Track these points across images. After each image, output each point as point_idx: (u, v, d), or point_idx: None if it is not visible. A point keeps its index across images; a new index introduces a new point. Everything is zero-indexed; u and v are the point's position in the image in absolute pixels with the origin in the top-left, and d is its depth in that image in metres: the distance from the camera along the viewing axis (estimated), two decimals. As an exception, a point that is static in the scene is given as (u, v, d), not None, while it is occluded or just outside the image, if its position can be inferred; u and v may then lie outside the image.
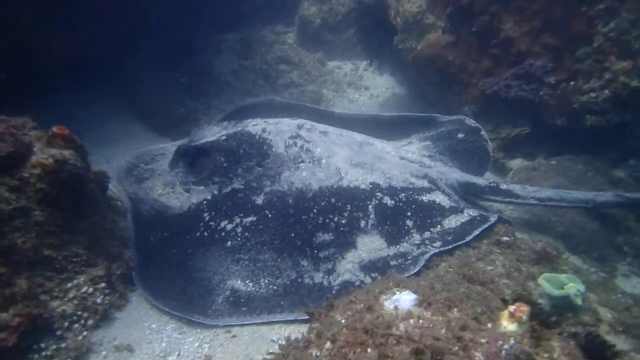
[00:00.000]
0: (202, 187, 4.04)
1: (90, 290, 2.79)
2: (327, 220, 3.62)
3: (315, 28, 8.75)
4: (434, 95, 6.03)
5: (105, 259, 3.01)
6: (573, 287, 2.98)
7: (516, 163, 5.22)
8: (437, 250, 3.39)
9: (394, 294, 1.93)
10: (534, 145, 5.33)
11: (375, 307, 1.78)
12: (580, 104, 4.83)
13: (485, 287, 2.81)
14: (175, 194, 4.07)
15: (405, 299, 1.89)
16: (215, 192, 3.98)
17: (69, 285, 2.72)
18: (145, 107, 5.79)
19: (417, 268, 3.25)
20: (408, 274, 3.21)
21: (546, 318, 2.10)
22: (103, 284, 2.88)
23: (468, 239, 3.47)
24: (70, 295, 2.70)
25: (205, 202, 3.94)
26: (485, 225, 3.58)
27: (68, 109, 5.34)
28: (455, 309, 1.89)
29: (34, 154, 2.73)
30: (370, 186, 3.90)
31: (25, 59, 4.40)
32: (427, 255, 3.33)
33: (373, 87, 8.06)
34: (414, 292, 1.92)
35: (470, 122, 4.92)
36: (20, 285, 2.49)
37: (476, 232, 3.50)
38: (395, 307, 1.81)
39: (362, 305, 1.79)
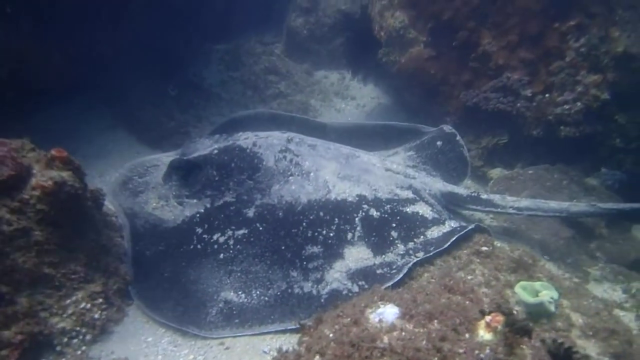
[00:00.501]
0: (195, 201, 4.15)
1: (88, 306, 2.90)
2: (316, 234, 3.78)
3: (302, 39, 8.91)
4: (417, 106, 6.24)
5: (102, 275, 3.13)
6: (547, 294, 3.17)
7: (496, 172, 5.44)
8: (418, 259, 3.55)
9: (379, 307, 2.09)
10: (512, 155, 5.58)
11: (361, 320, 1.94)
12: (555, 115, 5.08)
13: (465, 297, 2.98)
14: (169, 207, 4.17)
15: (389, 312, 2.05)
16: (208, 205, 4.10)
17: (68, 301, 2.83)
18: (136, 120, 5.88)
19: (400, 275, 3.42)
20: (392, 282, 3.38)
21: (519, 326, 2.28)
22: (100, 300, 2.99)
23: (444, 246, 3.64)
24: (69, 311, 2.80)
25: (198, 215, 4.06)
26: (462, 233, 3.76)
27: (60, 122, 5.40)
28: (435, 321, 2.05)
29: (33, 176, 2.83)
30: (357, 198, 4.06)
31: (22, 75, 4.48)
32: (410, 264, 3.50)
33: (359, 97, 8.24)
34: (397, 305, 2.08)
35: (447, 128, 5.11)
36: (21, 304, 2.59)
37: (452, 239, 3.67)
38: (380, 320, 1.97)
39: (349, 319, 1.95)
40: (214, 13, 8.35)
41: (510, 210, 4.36)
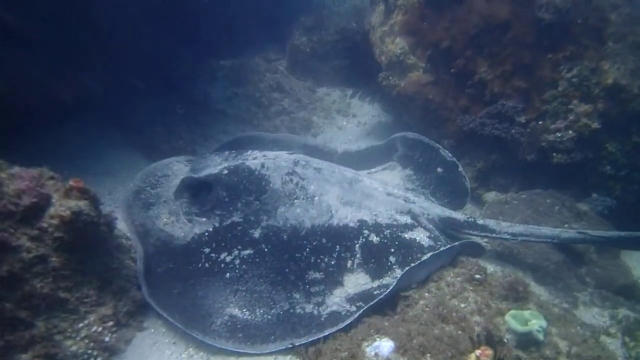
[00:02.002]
0: (204, 219, 4.31)
1: (100, 329, 3.07)
2: (318, 260, 3.96)
3: (306, 56, 9.13)
4: (416, 128, 6.41)
5: (113, 297, 3.29)
6: (536, 323, 3.34)
7: (491, 196, 5.62)
8: (404, 272, 3.72)
9: (375, 340, 2.26)
10: (507, 178, 5.75)
11: (358, 354, 2.10)
12: (548, 142, 5.26)
13: (457, 326, 3.15)
14: (179, 224, 4.33)
15: (384, 346, 2.22)
16: (217, 225, 4.27)
17: (81, 325, 2.99)
18: (145, 139, 6.07)
19: (389, 290, 3.58)
20: (383, 296, 3.56)
21: None
22: (111, 322, 3.16)
23: (424, 258, 3.88)
24: (82, 334, 2.97)
25: (207, 234, 4.23)
26: (446, 248, 3.99)
27: (70, 142, 5.59)
28: (428, 355, 2.22)
29: (52, 205, 3.01)
30: (358, 224, 4.24)
31: (32, 97, 4.66)
32: (397, 279, 3.66)
33: (360, 115, 8.45)
34: (392, 339, 2.25)
35: (447, 154, 5.25)
36: (39, 327, 2.76)
37: (434, 253, 3.92)
38: (376, 354, 2.14)
39: (346, 353, 2.11)
40: (219, 30, 8.57)
41: (505, 236, 4.52)
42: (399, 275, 3.92)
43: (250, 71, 8.38)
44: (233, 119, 7.31)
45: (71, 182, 3.08)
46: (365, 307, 3.51)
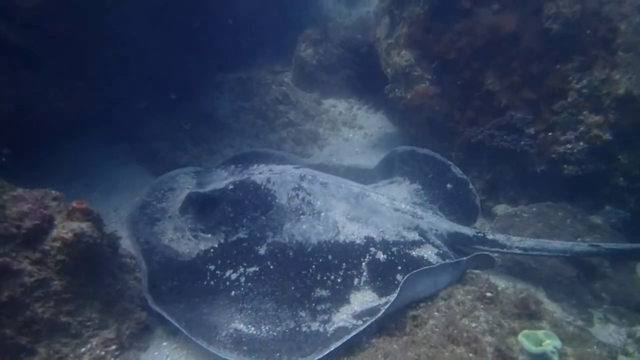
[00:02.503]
0: (209, 235, 4.28)
1: (102, 353, 3.01)
2: (325, 278, 3.88)
3: (312, 69, 9.10)
4: (423, 140, 6.34)
5: (116, 320, 3.24)
6: (550, 344, 3.24)
7: (501, 209, 5.51)
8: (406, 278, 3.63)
9: (382, 368, 2.17)
10: (517, 191, 5.64)
11: (365, 384, 2.02)
12: (558, 154, 5.16)
13: (468, 348, 3.06)
14: (184, 240, 4.30)
15: (392, 374, 2.13)
16: (222, 241, 4.23)
17: (83, 349, 2.94)
18: (151, 155, 6.06)
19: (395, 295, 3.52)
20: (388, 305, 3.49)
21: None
22: (114, 346, 3.10)
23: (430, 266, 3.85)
24: (84, 359, 2.92)
25: (212, 250, 4.19)
26: (453, 261, 3.93)
27: (77, 160, 5.60)
28: (436, 382, 2.13)
29: (55, 227, 2.98)
30: (365, 241, 4.16)
31: (39, 117, 4.69)
32: (400, 284, 3.57)
33: (367, 126, 8.38)
34: (400, 367, 2.16)
35: (457, 171, 5.19)
36: (40, 354, 2.72)
37: (441, 264, 3.90)
38: (383, 384, 2.05)
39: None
40: (225, 43, 8.61)
41: (516, 250, 4.43)
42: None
43: (257, 84, 8.37)
44: (239, 133, 7.29)
45: (74, 204, 3.05)
46: (372, 320, 3.42)
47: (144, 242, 4.22)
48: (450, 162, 5.26)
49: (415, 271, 3.69)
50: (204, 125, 6.97)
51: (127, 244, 4.23)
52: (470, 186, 5.08)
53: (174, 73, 7.05)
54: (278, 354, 3.45)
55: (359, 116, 8.65)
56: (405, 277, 3.62)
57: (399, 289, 3.53)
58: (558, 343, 3.27)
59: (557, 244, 4.37)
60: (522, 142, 5.35)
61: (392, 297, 3.59)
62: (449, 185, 5.13)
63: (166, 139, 6.31)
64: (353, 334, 3.36)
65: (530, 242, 4.42)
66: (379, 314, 3.45)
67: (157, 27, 6.20)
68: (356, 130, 8.39)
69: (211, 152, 6.56)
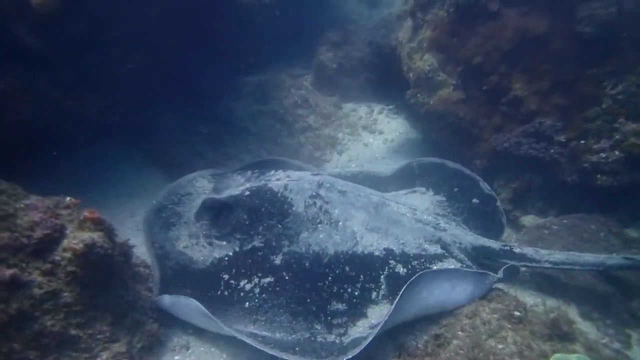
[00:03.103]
0: (224, 243, 4.18)
1: (113, 368, 2.93)
2: (341, 290, 3.72)
3: (332, 72, 8.97)
4: (446, 147, 6.14)
5: (128, 333, 3.15)
6: (584, 369, 3.02)
7: (528, 220, 5.26)
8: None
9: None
10: (545, 201, 5.38)
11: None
12: (591, 163, 4.89)
13: (495, 372, 2.86)
14: (198, 247, 4.20)
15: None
16: (237, 249, 4.11)
17: (93, 364, 2.86)
18: (167, 159, 6.01)
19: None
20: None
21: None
22: (125, 360, 3.01)
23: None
24: (94, 375, 2.83)
25: (226, 259, 4.08)
26: (474, 271, 3.78)
27: (92, 165, 5.58)
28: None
29: (66, 237, 2.91)
30: (384, 253, 3.99)
31: (58, 123, 4.65)
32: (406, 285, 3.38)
33: (387, 132, 8.19)
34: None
35: (485, 187, 5.00)
36: (49, 369, 2.64)
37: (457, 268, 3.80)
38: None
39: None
40: (245, 46, 8.54)
41: (546, 265, 4.21)
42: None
43: (275, 87, 8.27)
44: (256, 137, 7.19)
45: (86, 213, 2.97)
46: (385, 320, 3.24)
47: (158, 247, 4.13)
48: (479, 178, 5.07)
49: (434, 269, 3.60)
50: (221, 129, 6.89)
51: (142, 251, 4.17)
52: (498, 203, 4.89)
53: (191, 77, 7.00)
54: (292, 351, 3.28)
55: (379, 121, 8.48)
56: (421, 273, 3.47)
57: (405, 286, 3.36)
58: (594, 369, 3.04)
59: (588, 257, 4.15)
60: (552, 150, 5.10)
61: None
62: (475, 200, 4.94)
63: (183, 143, 6.25)
64: (370, 339, 3.20)
65: (560, 256, 4.19)
66: (387, 316, 3.27)
67: (175, 31, 6.14)
68: (376, 135, 8.20)
69: (228, 157, 6.46)
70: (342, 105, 8.83)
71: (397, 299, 3.32)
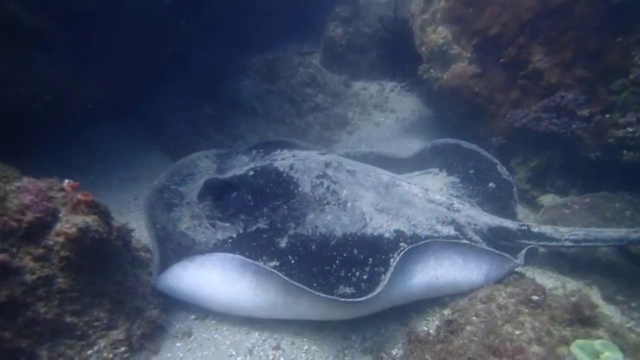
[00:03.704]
0: (228, 224, 4.03)
1: (111, 355, 2.81)
2: (349, 274, 3.55)
3: (341, 49, 8.70)
4: (460, 124, 5.88)
5: (127, 319, 3.04)
6: (609, 357, 2.81)
7: (547, 199, 5.01)
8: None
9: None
10: (566, 179, 5.11)
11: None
12: (616, 138, 4.58)
13: (512, 360, 2.68)
14: (201, 228, 4.06)
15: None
16: (241, 231, 3.97)
17: (90, 352, 2.75)
18: (172, 141, 5.87)
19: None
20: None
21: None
22: (123, 348, 2.89)
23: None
24: (91, 363, 2.73)
25: (230, 241, 3.93)
26: (490, 249, 3.65)
27: (97, 147, 5.47)
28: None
29: (59, 220, 2.78)
30: (394, 234, 3.81)
31: (60, 104, 4.51)
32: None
33: (399, 110, 7.93)
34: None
35: (503, 171, 4.76)
36: (41, 357, 2.53)
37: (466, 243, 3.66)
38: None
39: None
40: (253, 24, 8.30)
41: (566, 243, 3.99)
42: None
43: (283, 66, 8.02)
44: (264, 117, 7.00)
45: (79, 196, 2.83)
46: (391, 272, 3.21)
47: (160, 228, 3.98)
48: (497, 161, 4.82)
49: (441, 241, 3.55)
50: (227, 109, 6.71)
51: (144, 235, 4.05)
52: (514, 189, 4.64)
53: (197, 56, 6.81)
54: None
55: (390, 99, 8.21)
56: (429, 241, 3.46)
57: (398, 257, 3.33)
58: (619, 355, 2.83)
59: (610, 232, 3.95)
60: (574, 126, 4.80)
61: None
62: (491, 184, 4.70)
63: (188, 124, 6.10)
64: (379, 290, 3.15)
65: (581, 232, 3.98)
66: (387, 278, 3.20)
67: (181, 7, 5.93)
68: (388, 114, 7.95)
69: (234, 138, 6.30)
70: (352, 83, 8.57)
71: (402, 254, 3.30)
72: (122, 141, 5.71)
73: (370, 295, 3.11)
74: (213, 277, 3.37)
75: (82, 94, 4.53)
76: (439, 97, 5.95)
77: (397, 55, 7.45)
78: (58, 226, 2.74)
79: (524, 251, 3.76)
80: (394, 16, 7.63)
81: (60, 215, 2.81)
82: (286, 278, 3.20)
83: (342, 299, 3.15)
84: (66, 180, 3.20)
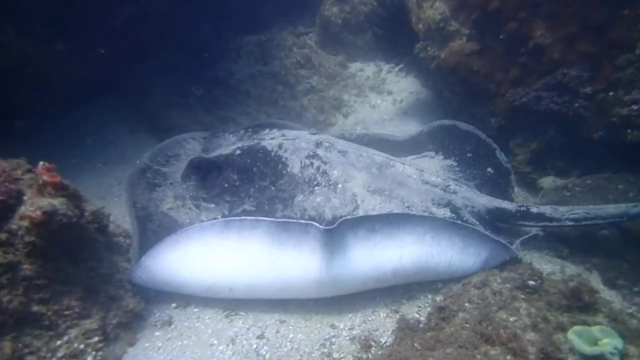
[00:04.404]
0: (212, 205, 3.87)
1: (82, 346, 2.66)
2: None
3: (337, 29, 8.44)
4: (459, 105, 5.65)
5: (101, 308, 2.88)
6: (609, 343, 2.65)
7: (547, 181, 4.81)
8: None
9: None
10: (567, 161, 4.91)
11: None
12: (620, 117, 4.37)
13: (506, 349, 2.53)
14: (184, 209, 3.88)
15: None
16: (226, 212, 3.79)
17: (59, 342, 2.60)
18: (159, 123, 5.67)
19: None
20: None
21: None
22: (96, 338, 2.74)
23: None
24: (59, 354, 2.56)
25: None
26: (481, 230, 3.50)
27: (80, 128, 5.28)
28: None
29: (23, 203, 2.61)
30: (387, 217, 3.63)
31: (38, 80, 4.31)
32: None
33: (396, 92, 7.70)
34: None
35: (502, 158, 4.57)
36: (4, 349, 2.39)
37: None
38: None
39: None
40: (244, 3, 8.04)
41: (567, 223, 3.85)
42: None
43: (277, 47, 7.77)
44: (256, 99, 6.78)
45: (45, 177, 2.66)
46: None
47: (140, 207, 3.80)
48: (496, 146, 4.62)
49: (442, 219, 3.47)
50: (218, 91, 6.50)
51: (126, 221, 3.87)
52: (512, 176, 4.45)
53: (188, 35, 6.57)
54: None
55: (387, 80, 7.97)
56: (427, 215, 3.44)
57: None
58: (619, 342, 2.67)
59: (610, 209, 3.81)
60: (576, 104, 4.58)
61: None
62: (489, 170, 4.51)
63: (177, 106, 5.89)
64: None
65: (580, 211, 3.84)
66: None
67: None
68: (384, 96, 7.72)
69: (225, 120, 6.10)
70: (348, 64, 8.34)
71: (389, 215, 3.31)
72: (106, 122, 5.52)
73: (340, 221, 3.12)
74: (193, 250, 3.20)
75: (69, 72, 4.29)
76: (437, 77, 5.72)
77: (394, 35, 7.19)
78: (22, 209, 2.57)
79: (518, 241, 3.60)
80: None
81: (25, 198, 2.63)
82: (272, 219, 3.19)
83: (316, 224, 3.12)
84: (41, 163, 3.03)
